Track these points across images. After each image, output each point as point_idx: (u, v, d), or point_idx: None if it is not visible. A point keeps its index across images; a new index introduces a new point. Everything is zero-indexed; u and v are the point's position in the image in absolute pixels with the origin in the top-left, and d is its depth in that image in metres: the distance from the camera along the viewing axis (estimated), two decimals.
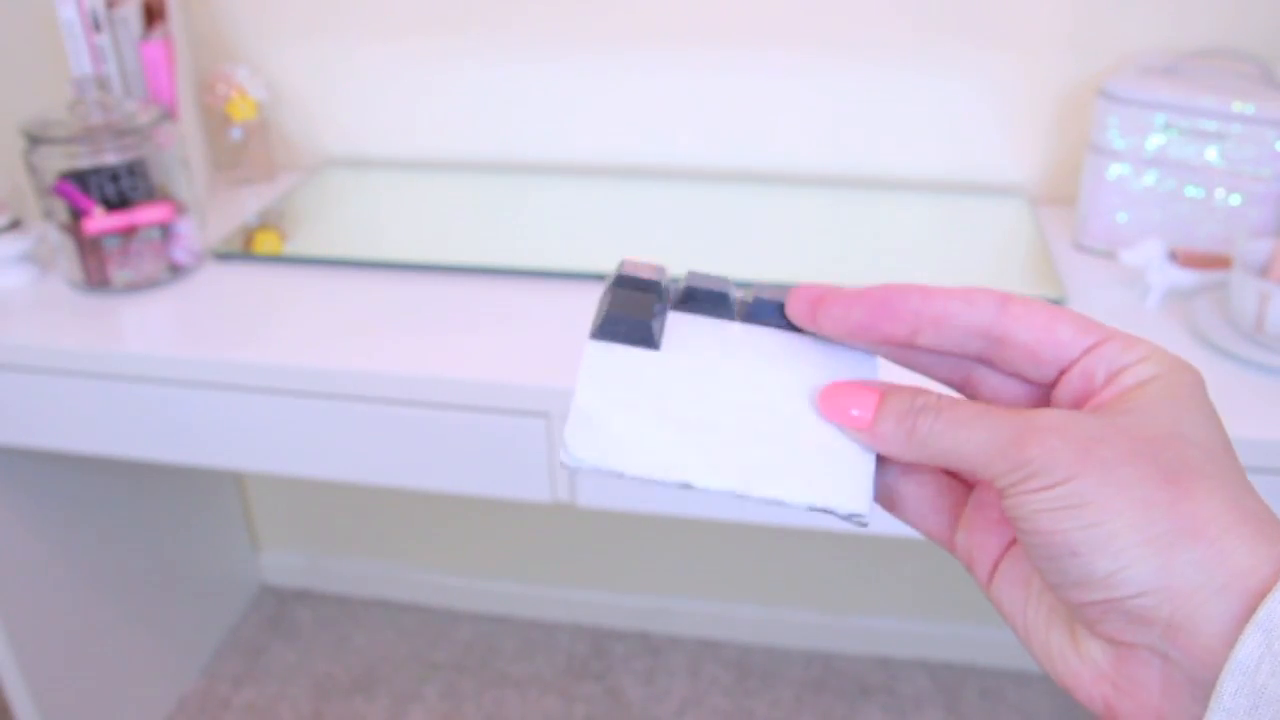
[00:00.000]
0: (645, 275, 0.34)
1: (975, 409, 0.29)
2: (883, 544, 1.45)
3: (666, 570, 1.56)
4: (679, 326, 0.34)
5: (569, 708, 1.47)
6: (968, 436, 0.29)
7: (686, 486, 0.31)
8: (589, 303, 0.95)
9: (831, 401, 0.32)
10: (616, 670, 1.53)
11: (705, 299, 0.34)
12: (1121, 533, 0.26)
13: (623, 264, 0.35)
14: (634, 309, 0.33)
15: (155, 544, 1.43)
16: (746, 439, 0.31)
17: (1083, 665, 0.28)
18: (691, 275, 0.35)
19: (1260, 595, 0.25)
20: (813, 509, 0.30)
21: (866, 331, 0.32)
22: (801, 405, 0.32)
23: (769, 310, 0.34)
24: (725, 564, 1.53)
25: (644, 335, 0.33)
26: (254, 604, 1.67)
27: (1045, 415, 0.28)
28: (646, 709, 1.47)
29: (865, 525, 0.31)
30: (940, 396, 0.30)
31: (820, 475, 0.31)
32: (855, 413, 0.31)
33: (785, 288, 0.34)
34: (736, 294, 0.35)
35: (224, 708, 1.48)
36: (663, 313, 0.34)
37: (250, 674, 1.54)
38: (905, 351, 0.34)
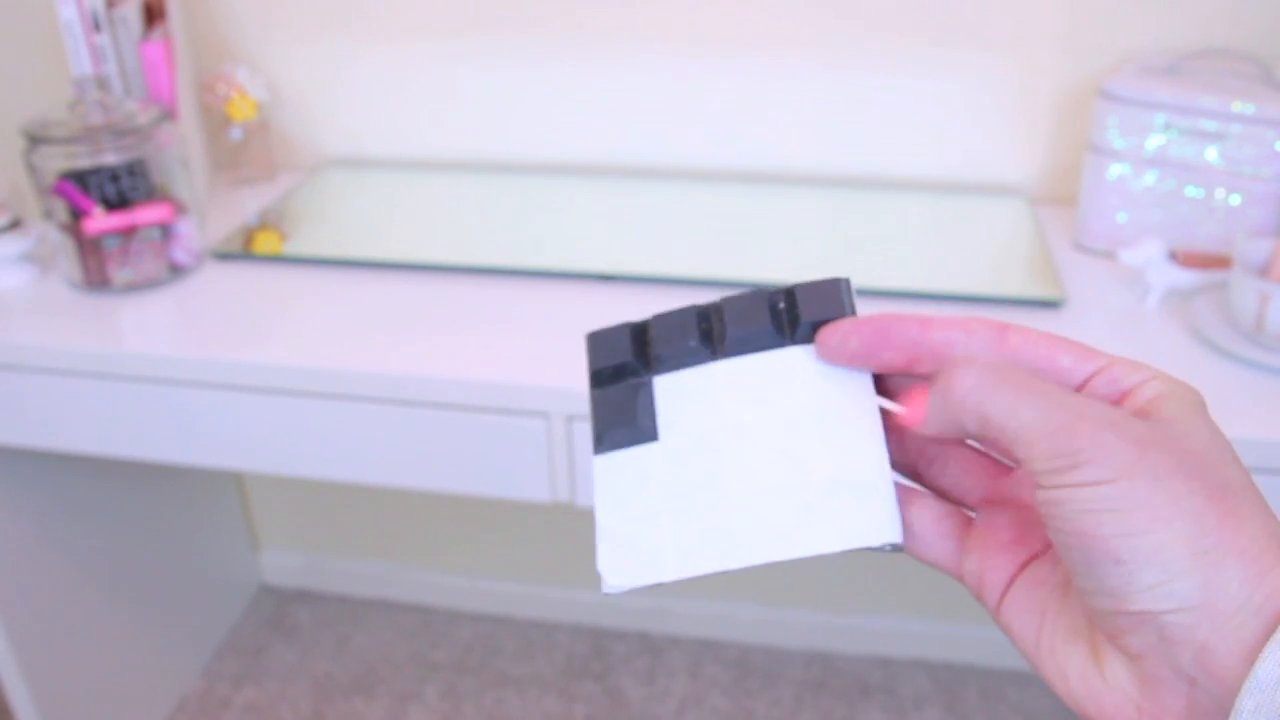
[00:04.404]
0: (616, 356, 0.34)
1: (1025, 377, 0.28)
2: None
3: None
4: (667, 392, 0.34)
5: (569, 708, 1.47)
6: (1013, 404, 0.27)
7: (724, 572, 0.31)
8: (589, 303, 0.95)
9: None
10: (616, 670, 1.53)
11: (680, 355, 0.34)
12: (1170, 543, 0.25)
13: (589, 342, 0.35)
14: (621, 412, 0.33)
15: (155, 544, 1.43)
16: (763, 503, 0.31)
17: (1106, 688, 0.27)
18: (658, 332, 0.34)
19: None
20: (848, 551, 0.30)
21: (864, 359, 0.32)
22: (803, 441, 0.32)
23: (748, 340, 0.33)
24: None
25: (638, 434, 0.33)
26: (254, 604, 1.67)
27: (1096, 407, 0.27)
28: (646, 709, 1.47)
29: (902, 549, 0.31)
30: (985, 358, 0.29)
31: (844, 515, 0.31)
32: (916, 411, 0.31)
33: (757, 296, 0.34)
34: (703, 316, 0.35)
35: (224, 708, 1.48)
36: (649, 390, 0.34)
37: (250, 674, 1.54)
38: (896, 382, 0.33)
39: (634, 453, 0.33)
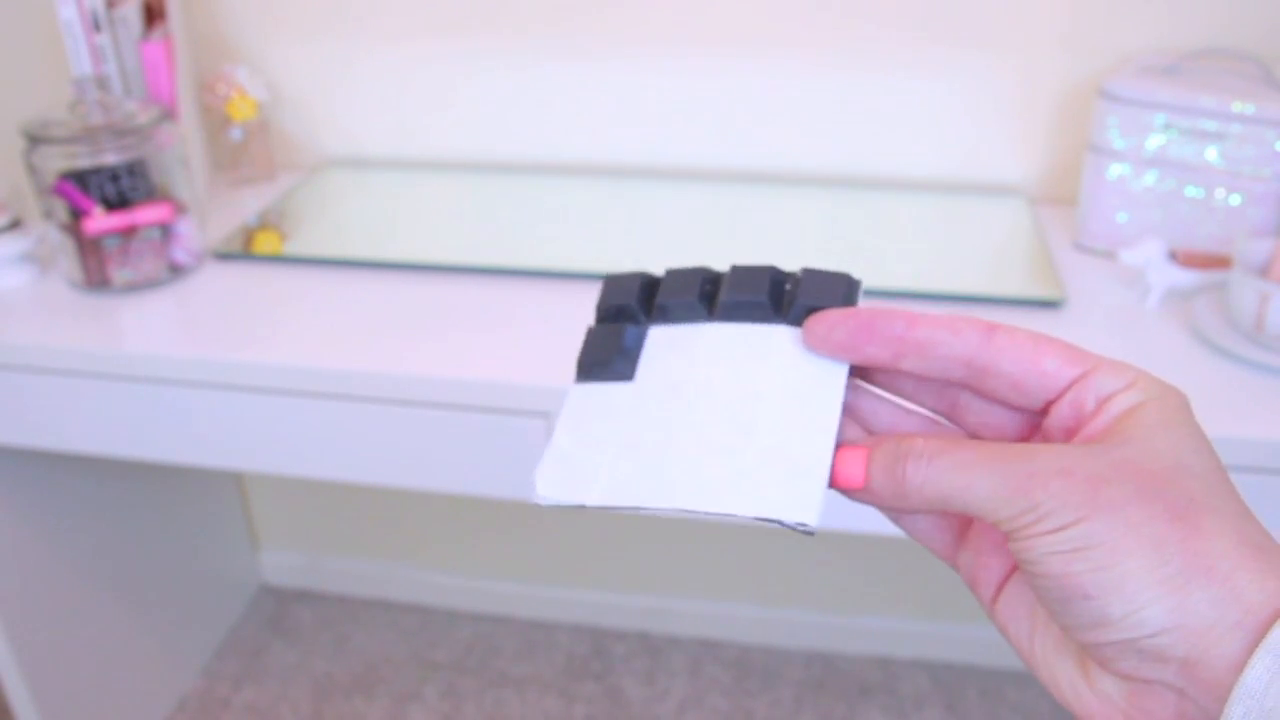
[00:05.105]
0: (622, 299, 0.36)
1: (970, 452, 0.29)
2: (883, 544, 1.45)
3: (666, 570, 1.56)
4: (657, 342, 0.35)
5: (569, 708, 1.47)
6: (967, 483, 0.28)
7: (638, 510, 0.32)
8: (589, 303, 0.95)
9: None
10: (616, 670, 1.53)
11: (678, 309, 0.35)
12: (1135, 574, 0.26)
13: (604, 284, 0.37)
14: (606, 347, 0.35)
15: (155, 544, 1.43)
16: (701, 456, 0.32)
17: (1094, 697, 0.28)
18: (665, 284, 0.36)
19: (1269, 627, 0.25)
20: (759, 520, 0.30)
21: (849, 351, 0.32)
22: (760, 411, 0.32)
23: (742, 309, 0.34)
24: (725, 564, 1.53)
25: (616, 372, 0.35)
26: (254, 604, 1.67)
27: (1045, 456, 0.28)
28: (646, 709, 1.47)
29: (811, 534, 0.30)
30: (928, 440, 0.29)
31: (770, 486, 0.31)
32: (850, 472, 0.31)
33: (762, 270, 0.35)
34: (710, 280, 0.36)
35: (224, 708, 1.48)
36: (640, 335, 0.35)
37: (250, 674, 1.54)
38: (890, 376, 0.34)
39: (608, 387, 0.35)
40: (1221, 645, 0.25)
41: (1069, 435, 0.30)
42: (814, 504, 0.30)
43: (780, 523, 0.30)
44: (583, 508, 0.32)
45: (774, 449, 0.31)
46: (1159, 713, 0.27)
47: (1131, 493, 0.26)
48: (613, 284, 0.37)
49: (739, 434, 0.32)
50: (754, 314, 0.34)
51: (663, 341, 0.35)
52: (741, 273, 0.35)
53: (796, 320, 0.33)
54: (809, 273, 0.34)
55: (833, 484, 0.31)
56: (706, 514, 0.31)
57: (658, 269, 0.37)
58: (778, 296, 0.34)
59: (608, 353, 0.35)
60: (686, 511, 0.31)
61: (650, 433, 0.33)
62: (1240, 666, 0.25)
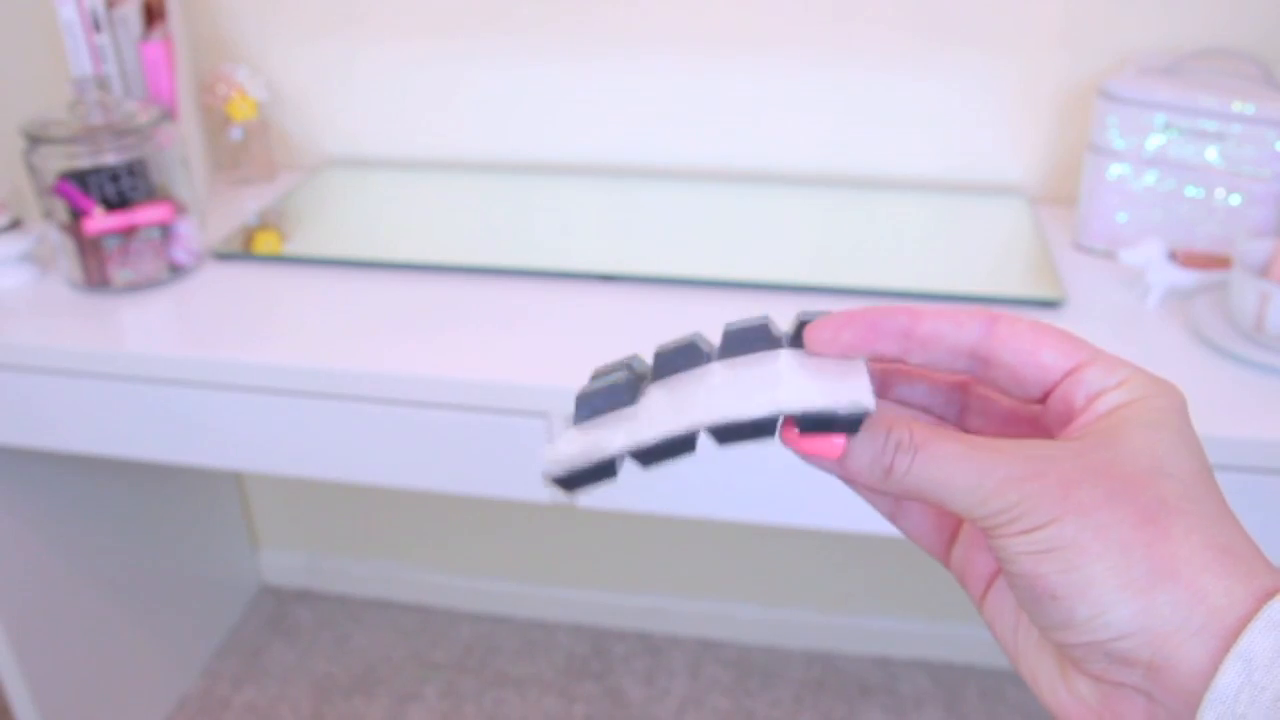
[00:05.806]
0: (611, 365, 0.34)
1: (953, 448, 0.29)
2: (883, 544, 1.45)
3: (666, 570, 1.56)
4: (656, 386, 0.34)
5: (569, 708, 1.47)
6: (947, 479, 0.28)
7: (668, 445, 0.30)
8: (589, 303, 0.95)
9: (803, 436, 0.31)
10: (616, 670, 1.53)
11: (677, 360, 0.34)
12: (1100, 577, 0.26)
13: (591, 377, 0.35)
14: (604, 385, 0.33)
15: (155, 544, 1.43)
16: (732, 393, 0.30)
17: (1070, 698, 0.28)
18: (658, 354, 0.35)
19: (1236, 632, 0.25)
20: (810, 415, 0.29)
21: (856, 351, 0.32)
22: (790, 374, 0.31)
23: (745, 341, 0.33)
24: (725, 564, 1.53)
25: (617, 401, 0.33)
26: (254, 604, 1.67)
27: (1022, 457, 0.28)
28: (646, 709, 1.47)
29: (871, 413, 0.29)
30: (914, 432, 0.29)
31: (813, 389, 0.29)
32: (835, 440, 0.30)
33: (761, 321, 0.34)
34: (705, 347, 0.35)
35: (224, 708, 1.48)
36: (636, 384, 0.34)
37: (250, 674, 1.54)
38: (903, 388, 0.34)
39: (609, 414, 0.33)
40: (1185, 650, 0.25)
41: (1061, 425, 0.30)
42: (865, 390, 0.29)
43: (835, 414, 0.29)
44: (601, 461, 0.30)
45: (809, 385, 0.30)
46: (1130, 716, 0.27)
47: (1102, 496, 0.26)
48: (600, 373, 0.35)
49: (768, 379, 0.31)
50: (757, 343, 0.33)
51: (664, 385, 0.34)
52: (737, 324, 0.34)
53: (797, 341, 0.33)
54: (801, 315, 0.34)
55: (811, 453, 0.31)
56: (748, 422, 0.29)
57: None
58: (776, 335, 0.34)
59: (607, 388, 0.33)
60: (716, 428, 0.29)
61: (667, 408, 0.32)
62: (1203, 673, 0.25)
